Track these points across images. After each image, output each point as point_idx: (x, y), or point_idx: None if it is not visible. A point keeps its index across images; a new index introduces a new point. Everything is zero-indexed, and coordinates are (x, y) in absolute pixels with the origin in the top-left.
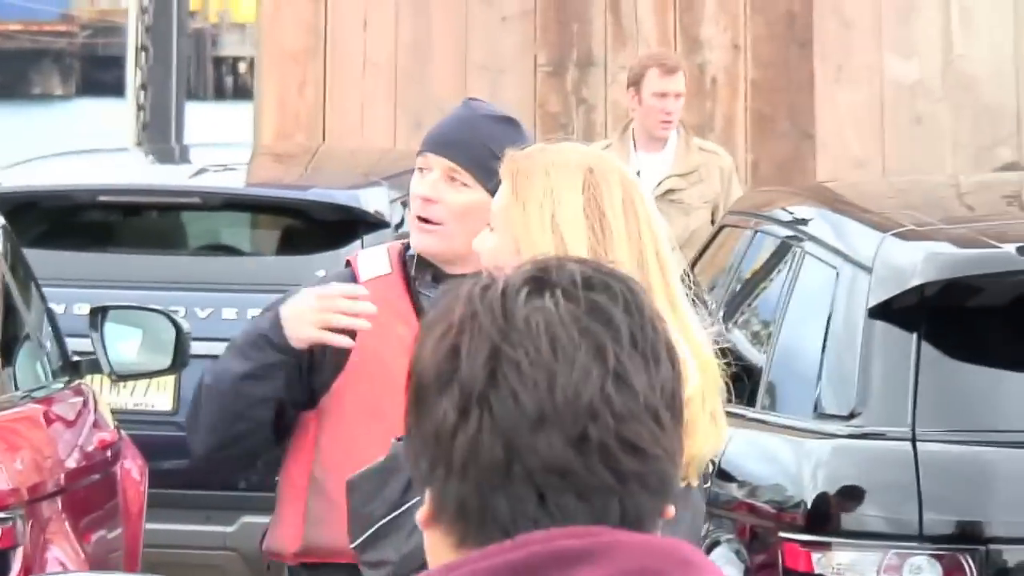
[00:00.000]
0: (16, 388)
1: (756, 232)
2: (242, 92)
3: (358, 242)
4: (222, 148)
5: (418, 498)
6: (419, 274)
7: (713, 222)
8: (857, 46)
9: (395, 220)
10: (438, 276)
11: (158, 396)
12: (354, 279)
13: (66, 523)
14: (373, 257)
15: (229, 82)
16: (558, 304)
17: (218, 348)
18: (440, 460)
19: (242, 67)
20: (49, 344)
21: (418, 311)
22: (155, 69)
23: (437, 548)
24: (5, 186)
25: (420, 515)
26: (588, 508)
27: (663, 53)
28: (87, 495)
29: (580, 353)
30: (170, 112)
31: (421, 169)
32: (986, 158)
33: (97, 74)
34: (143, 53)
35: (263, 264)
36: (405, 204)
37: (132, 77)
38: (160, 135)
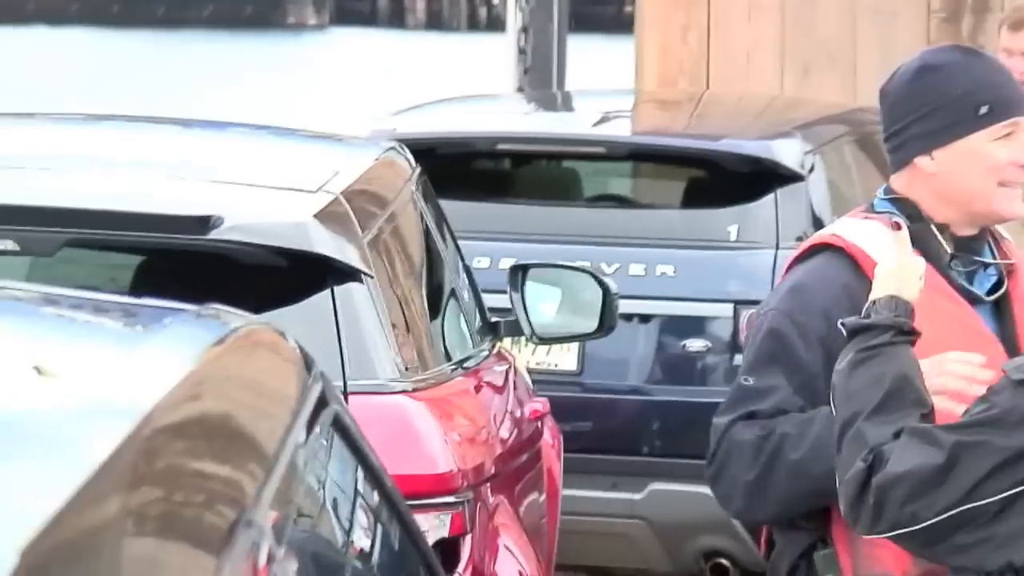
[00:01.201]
0: (448, 358)
1: None
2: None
3: (771, 196)
4: (605, 95)
5: None
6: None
7: None
8: None
9: (807, 173)
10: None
11: (563, 355)
12: (853, 262)
13: (509, 505)
14: (868, 235)
15: (482, 13)
16: None
17: (623, 305)
18: None
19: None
20: (470, 302)
21: (951, 283)
22: (537, 12)
23: None
24: (401, 132)
25: None
26: None
27: (1022, 4)
28: (523, 470)
29: None
30: (552, 56)
31: (1008, 135)
32: None
33: (350, 4)
34: None
35: (669, 218)
36: (819, 155)
37: (513, 19)
38: (540, 79)
